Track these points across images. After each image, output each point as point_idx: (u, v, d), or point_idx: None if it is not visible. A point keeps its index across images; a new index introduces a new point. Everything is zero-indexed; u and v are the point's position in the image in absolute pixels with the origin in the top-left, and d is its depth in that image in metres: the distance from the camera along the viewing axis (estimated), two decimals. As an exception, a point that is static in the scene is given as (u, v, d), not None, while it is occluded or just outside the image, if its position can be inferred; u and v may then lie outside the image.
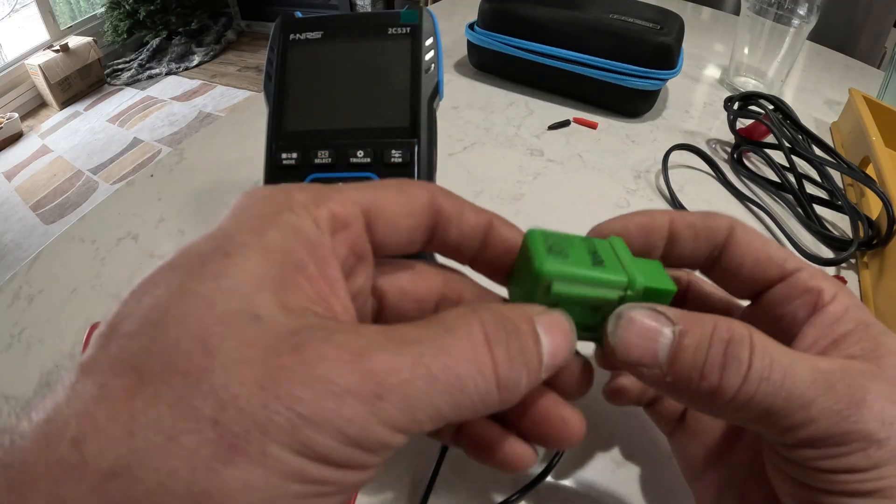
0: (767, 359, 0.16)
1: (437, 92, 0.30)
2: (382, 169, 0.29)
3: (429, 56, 0.30)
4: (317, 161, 0.29)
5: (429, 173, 0.29)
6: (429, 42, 0.30)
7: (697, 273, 0.22)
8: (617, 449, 0.27)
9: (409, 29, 0.30)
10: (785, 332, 0.19)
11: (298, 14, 0.32)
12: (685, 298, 0.24)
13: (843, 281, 0.36)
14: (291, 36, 0.31)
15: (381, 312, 0.19)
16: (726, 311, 0.23)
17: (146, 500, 0.11)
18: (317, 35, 0.31)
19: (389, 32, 0.30)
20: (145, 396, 0.11)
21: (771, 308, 0.20)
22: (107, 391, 0.11)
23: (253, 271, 0.13)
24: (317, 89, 0.30)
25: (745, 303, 0.21)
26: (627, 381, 0.24)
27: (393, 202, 0.17)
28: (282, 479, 0.12)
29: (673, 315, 0.17)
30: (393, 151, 0.29)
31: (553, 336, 0.16)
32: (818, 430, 0.16)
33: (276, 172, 0.29)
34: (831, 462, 0.16)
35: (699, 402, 0.17)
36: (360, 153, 0.29)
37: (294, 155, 0.29)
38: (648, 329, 0.17)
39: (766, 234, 0.41)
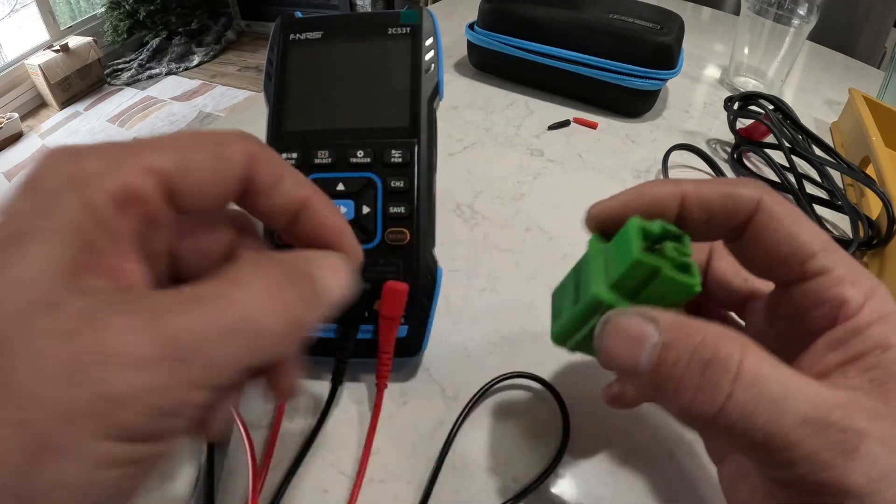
0: (755, 389, 0.14)
1: (437, 92, 0.30)
2: (382, 169, 0.29)
3: (429, 56, 0.30)
4: (317, 161, 0.29)
5: (429, 173, 0.29)
6: (429, 42, 0.30)
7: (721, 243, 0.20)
8: (618, 449, 0.27)
9: (409, 29, 0.30)
10: (802, 335, 0.17)
11: (298, 14, 0.32)
12: (706, 273, 0.22)
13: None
14: (291, 36, 0.31)
15: (178, 271, 0.19)
16: (750, 294, 0.21)
17: None
18: (317, 35, 0.31)
19: (389, 32, 0.30)
20: None
21: (793, 304, 0.18)
22: None
23: (45, 258, 0.13)
24: (317, 89, 0.30)
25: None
26: (624, 386, 0.23)
27: (202, 169, 0.16)
28: (96, 469, 0.11)
29: (662, 322, 0.16)
30: (393, 151, 0.29)
31: (335, 275, 0.17)
32: (797, 476, 0.15)
33: None
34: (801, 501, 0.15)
35: (677, 416, 0.16)
36: (360, 153, 0.29)
37: (294, 155, 0.29)
38: (632, 336, 0.16)
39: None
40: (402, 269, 0.28)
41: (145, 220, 0.15)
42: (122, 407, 0.12)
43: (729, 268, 0.21)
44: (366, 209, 0.28)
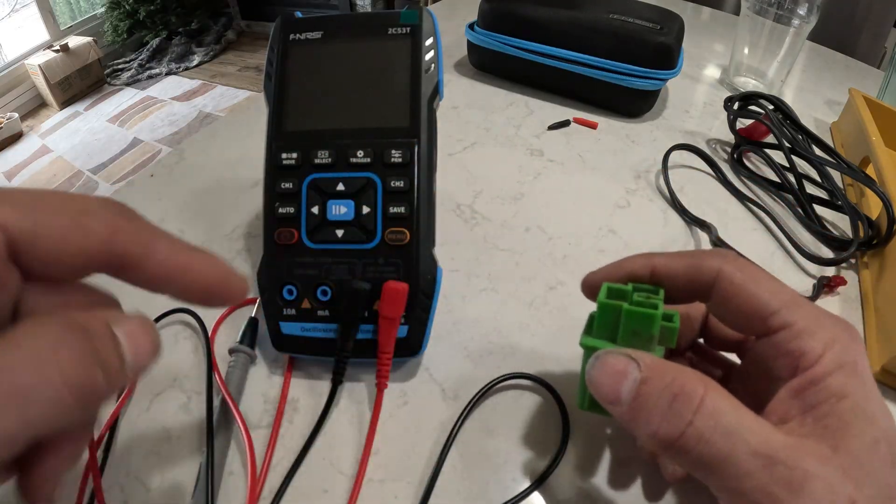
0: (711, 421, 0.17)
1: (437, 92, 0.30)
2: (382, 169, 0.29)
3: (429, 56, 0.30)
4: (317, 161, 0.29)
5: (429, 173, 0.29)
6: (429, 42, 0.30)
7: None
8: (618, 448, 0.27)
9: (409, 29, 0.30)
10: (771, 382, 0.19)
11: (298, 14, 0.31)
12: (706, 324, 0.25)
13: (843, 282, 0.36)
14: (291, 36, 0.31)
15: None
16: (742, 340, 0.24)
17: None
18: (317, 35, 0.31)
19: (389, 32, 0.30)
20: None
21: (762, 355, 0.20)
22: None
23: None
24: (317, 89, 0.30)
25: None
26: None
27: (56, 235, 0.15)
28: None
29: (644, 362, 0.18)
30: (393, 151, 0.29)
31: (134, 337, 0.16)
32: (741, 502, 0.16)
33: (276, 172, 0.29)
34: None
35: (647, 443, 0.18)
36: (360, 153, 0.29)
37: (294, 155, 0.29)
38: (616, 371, 0.19)
39: (766, 233, 0.41)
40: (402, 269, 0.28)
41: None
42: None
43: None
44: (366, 209, 0.28)
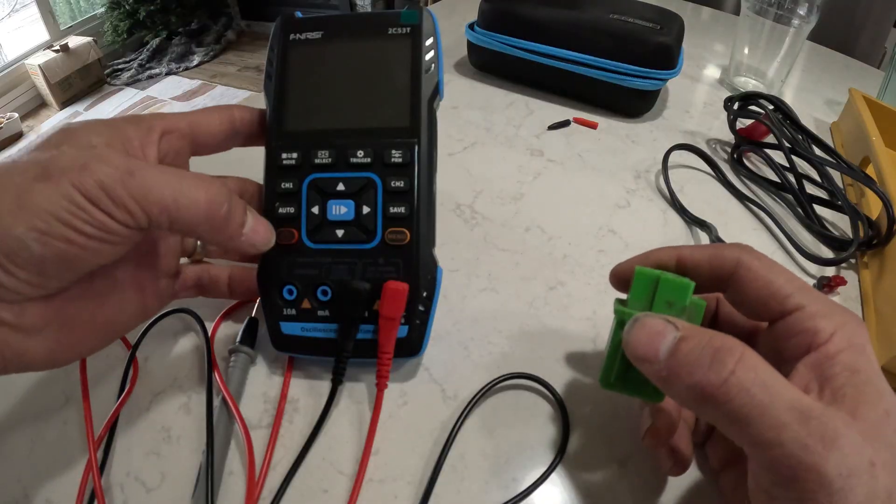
0: (752, 372, 0.18)
1: (437, 92, 0.30)
2: (383, 169, 0.29)
3: (429, 56, 0.30)
4: (317, 161, 0.29)
5: (429, 173, 0.29)
6: (429, 42, 0.30)
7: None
8: (619, 448, 0.27)
9: (409, 29, 0.30)
10: (785, 364, 0.20)
11: (298, 14, 0.31)
12: (716, 316, 0.26)
13: (843, 282, 0.36)
14: (292, 36, 0.31)
15: None
16: (752, 331, 0.25)
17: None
18: (317, 35, 0.31)
19: (390, 32, 0.30)
20: (25, 158, 0.21)
21: (777, 339, 0.22)
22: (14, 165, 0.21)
23: (99, 131, 0.23)
24: (317, 89, 0.30)
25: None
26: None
27: (207, 122, 0.28)
28: (60, 197, 0.20)
29: (680, 325, 0.20)
30: (393, 151, 0.29)
31: (258, 222, 0.26)
32: (783, 456, 0.17)
33: (276, 172, 0.29)
34: (780, 492, 0.17)
35: (685, 396, 0.19)
36: (360, 153, 0.29)
37: (294, 155, 0.29)
38: (655, 331, 0.20)
39: (766, 234, 0.41)
40: (402, 269, 0.28)
41: (171, 145, 0.26)
42: (89, 177, 0.20)
43: (733, 311, 0.25)
44: (366, 209, 0.28)
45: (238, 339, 0.31)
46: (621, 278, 0.26)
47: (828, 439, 0.16)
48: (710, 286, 0.24)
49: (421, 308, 0.28)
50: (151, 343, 0.32)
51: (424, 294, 0.29)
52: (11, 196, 0.19)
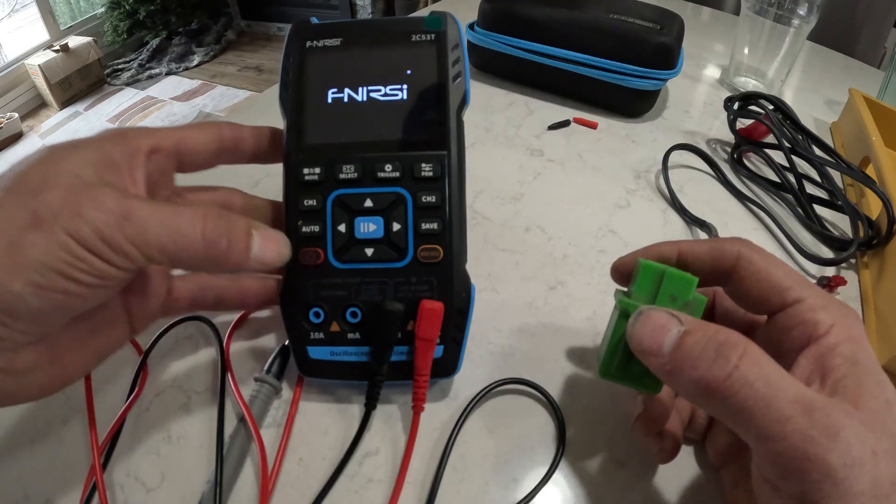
0: (755, 366, 0.18)
1: (464, 101, 0.28)
2: (412, 183, 0.27)
3: (456, 64, 0.28)
4: (342, 176, 0.27)
5: (460, 186, 0.28)
6: (455, 49, 0.29)
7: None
8: (619, 449, 0.27)
9: (433, 35, 0.29)
10: (785, 357, 0.20)
11: (314, 20, 0.30)
12: (713, 311, 0.26)
13: (843, 282, 0.36)
14: (308, 43, 0.29)
15: None
16: (750, 324, 0.25)
17: None
18: (335, 42, 0.29)
19: (413, 39, 0.29)
20: (9, 199, 0.20)
21: (776, 332, 0.22)
22: None
23: (85, 159, 0.21)
24: (339, 100, 0.29)
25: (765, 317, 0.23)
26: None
27: (193, 140, 0.26)
28: (56, 247, 0.19)
29: (684, 319, 0.20)
30: (423, 165, 0.27)
31: (265, 240, 0.24)
32: (788, 448, 0.17)
33: (297, 189, 0.28)
34: (786, 483, 0.18)
35: (689, 390, 0.19)
36: (388, 167, 0.27)
37: (317, 170, 0.28)
38: (660, 325, 0.21)
39: (766, 233, 0.41)
40: (436, 287, 0.27)
41: (157, 167, 0.25)
42: (83, 223, 0.19)
43: (731, 305, 0.25)
44: (396, 226, 0.27)
45: (266, 367, 0.29)
46: (622, 272, 0.26)
47: (831, 430, 0.17)
48: (711, 280, 0.24)
49: (456, 327, 0.27)
50: (161, 347, 0.32)
51: (459, 313, 0.27)
52: (3, 247, 0.18)
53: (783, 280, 0.22)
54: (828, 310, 0.20)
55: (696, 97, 0.59)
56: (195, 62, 2.75)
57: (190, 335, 0.32)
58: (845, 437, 0.17)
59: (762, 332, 0.23)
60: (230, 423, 0.28)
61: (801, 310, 0.21)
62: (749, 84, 0.60)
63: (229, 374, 0.29)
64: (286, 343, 0.30)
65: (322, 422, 0.28)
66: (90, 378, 0.29)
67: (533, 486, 0.26)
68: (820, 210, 0.41)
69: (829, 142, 0.51)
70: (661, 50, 0.49)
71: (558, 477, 0.26)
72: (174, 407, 0.29)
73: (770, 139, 0.47)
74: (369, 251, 0.27)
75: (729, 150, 0.49)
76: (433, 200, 0.27)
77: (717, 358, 0.19)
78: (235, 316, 0.33)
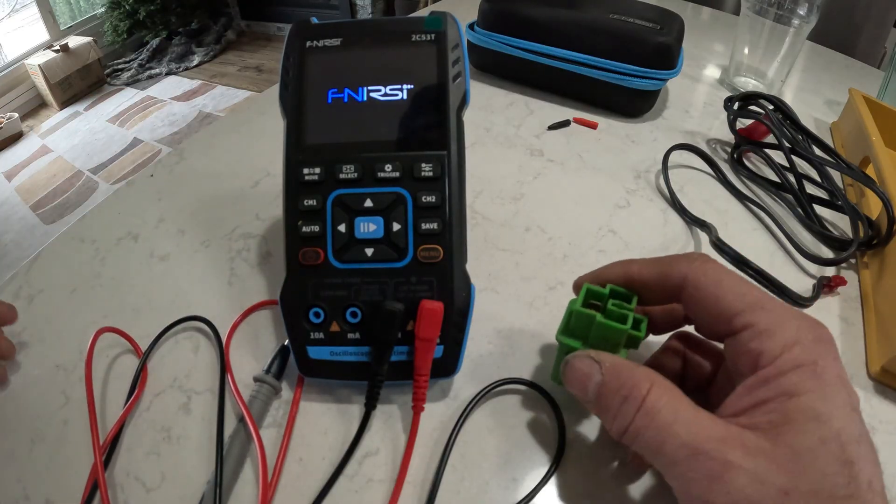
0: (647, 419, 0.20)
1: (464, 101, 0.28)
2: (412, 183, 0.27)
3: (456, 64, 0.28)
4: (342, 176, 0.28)
5: (460, 186, 0.28)
6: (455, 49, 0.29)
7: None
8: (619, 448, 0.27)
9: (433, 35, 0.29)
10: (735, 378, 0.21)
11: (314, 20, 0.30)
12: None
13: (843, 282, 0.36)
14: (308, 43, 0.29)
15: None
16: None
17: None
18: (335, 42, 0.29)
19: (413, 39, 0.29)
20: None
21: (730, 357, 0.22)
22: None
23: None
24: (339, 100, 0.29)
25: None
26: None
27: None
28: None
29: (604, 366, 0.22)
30: (423, 165, 0.27)
31: None
32: (678, 489, 0.19)
33: (297, 188, 0.28)
34: None
35: (610, 432, 0.21)
36: (388, 167, 0.27)
37: (317, 170, 0.28)
38: (583, 374, 0.22)
39: (766, 233, 0.41)
40: (436, 287, 0.27)
41: None
42: None
43: None
44: (396, 226, 0.27)
45: (266, 367, 0.29)
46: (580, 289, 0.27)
47: (715, 474, 0.17)
48: (664, 301, 0.24)
49: (456, 328, 0.28)
50: (161, 348, 0.32)
51: (459, 313, 0.27)
52: None
53: (732, 304, 0.21)
54: (777, 336, 0.19)
55: (696, 97, 0.59)
56: (195, 62, 2.75)
57: (189, 335, 0.32)
58: (731, 479, 0.17)
59: (725, 349, 0.23)
60: (230, 424, 0.28)
61: (748, 337, 0.20)
62: (749, 84, 0.60)
63: (229, 375, 0.29)
64: (286, 343, 0.30)
65: (322, 422, 0.28)
66: (91, 379, 0.29)
67: (533, 486, 0.26)
68: (820, 210, 0.41)
69: (829, 142, 0.51)
70: (661, 50, 0.49)
71: (559, 477, 0.26)
72: (174, 407, 0.29)
73: (770, 139, 0.47)
74: (369, 251, 0.27)
75: (729, 150, 0.49)
76: (433, 200, 0.27)
77: (619, 411, 0.20)
78: (235, 315, 0.33)
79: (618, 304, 0.24)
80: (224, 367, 0.30)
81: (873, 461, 0.17)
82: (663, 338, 0.27)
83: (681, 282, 0.22)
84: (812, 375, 0.18)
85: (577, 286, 0.27)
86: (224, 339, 0.31)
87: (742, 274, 0.31)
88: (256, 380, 0.29)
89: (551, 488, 0.26)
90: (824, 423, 0.17)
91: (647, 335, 0.24)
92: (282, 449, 0.27)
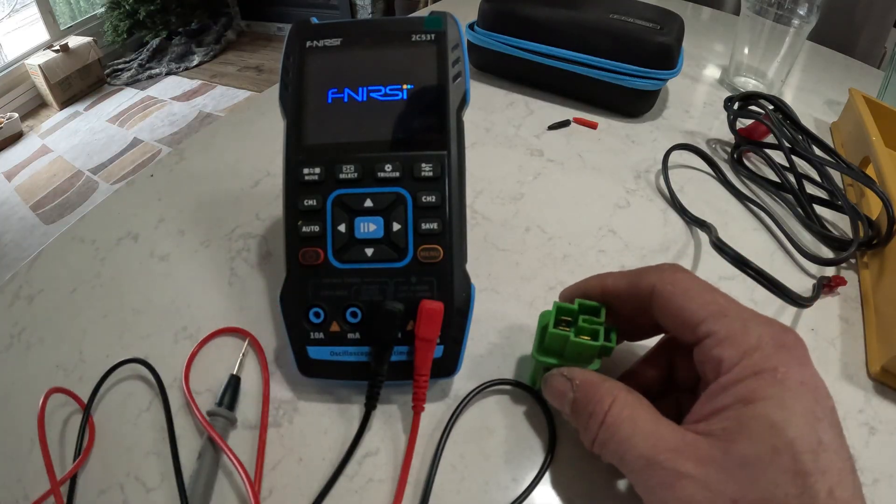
0: (608, 433, 0.21)
1: (464, 101, 0.28)
2: (412, 183, 0.27)
3: (456, 64, 0.28)
4: (341, 176, 0.28)
5: (460, 186, 0.28)
6: (455, 49, 0.29)
7: None
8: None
9: (433, 36, 0.29)
10: (703, 387, 0.21)
11: (314, 20, 0.30)
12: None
13: (843, 282, 0.36)
14: (308, 43, 0.29)
15: None
16: None
17: None
18: (335, 42, 0.29)
19: (413, 39, 0.29)
20: None
21: (698, 364, 0.22)
22: None
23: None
24: (339, 100, 0.29)
25: None
26: None
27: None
28: None
29: (577, 381, 0.23)
30: (423, 165, 0.27)
31: None
32: (641, 496, 0.20)
33: (297, 189, 0.28)
34: None
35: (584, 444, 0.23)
36: (388, 167, 0.27)
37: (317, 170, 0.28)
38: (559, 391, 0.24)
39: (766, 233, 0.41)
40: (436, 287, 0.27)
41: None
42: None
43: None
44: (396, 226, 0.27)
45: (217, 400, 0.28)
46: (566, 300, 0.27)
47: (666, 483, 0.18)
48: (636, 313, 0.25)
49: (456, 327, 0.28)
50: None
51: (459, 313, 0.28)
52: None
53: (695, 314, 0.21)
54: (738, 343, 0.19)
55: (696, 97, 0.59)
56: (195, 62, 2.75)
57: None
58: (681, 488, 0.18)
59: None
60: (189, 467, 0.26)
61: (709, 345, 0.20)
62: (749, 84, 0.60)
63: (195, 411, 0.27)
64: (233, 372, 0.29)
65: (322, 422, 0.28)
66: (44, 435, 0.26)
67: (527, 485, 0.26)
68: (820, 210, 0.41)
69: (829, 142, 0.51)
70: (661, 50, 0.49)
71: (554, 475, 0.26)
72: (173, 407, 0.29)
73: (770, 139, 0.46)
74: (369, 251, 0.27)
75: (729, 150, 0.49)
76: (433, 200, 0.27)
77: (586, 427, 0.22)
78: (235, 315, 0.33)
79: (588, 320, 0.25)
80: (168, 415, 0.28)
81: (839, 469, 0.17)
82: (654, 340, 0.27)
83: (649, 292, 0.23)
84: (772, 382, 0.18)
85: (563, 298, 0.28)
86: (172, 382, 0.29)
87: (742, 274, 0.31)
88: (210, 414, 0.27)
89: (550, 482, 0.26)
90: (778, 431, 0.17)
91: (619, 342, 0.26)
92: (256, 480, 0.25)
